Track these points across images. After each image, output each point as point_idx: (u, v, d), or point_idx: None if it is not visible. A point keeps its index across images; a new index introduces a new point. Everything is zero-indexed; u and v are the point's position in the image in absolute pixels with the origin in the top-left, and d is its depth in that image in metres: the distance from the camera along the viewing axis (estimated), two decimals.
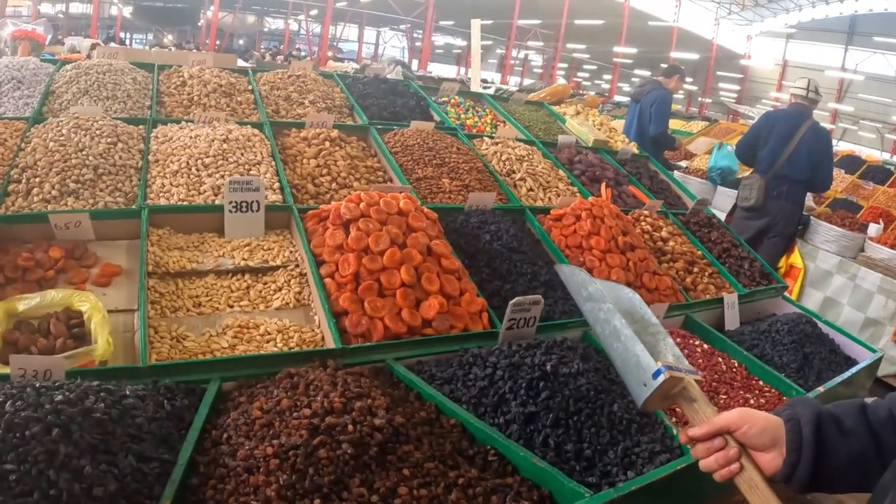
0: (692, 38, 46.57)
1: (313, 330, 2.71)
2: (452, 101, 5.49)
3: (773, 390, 3.12)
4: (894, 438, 1.63)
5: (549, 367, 2.40)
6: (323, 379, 2.18)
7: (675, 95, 8.74)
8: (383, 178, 3.87)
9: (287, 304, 2.84)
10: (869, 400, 1.74)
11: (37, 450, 1.59)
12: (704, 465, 1.71)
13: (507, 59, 41.18)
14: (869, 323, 7.13)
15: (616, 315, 1.92)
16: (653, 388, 1.76)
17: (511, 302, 2.67)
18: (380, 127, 4.41)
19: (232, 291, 2.86)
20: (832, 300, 7.39)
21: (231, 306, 2.79)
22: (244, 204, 3.15)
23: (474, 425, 2.20)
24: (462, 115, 5.30)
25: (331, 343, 2.56)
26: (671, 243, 4.17)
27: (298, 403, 2.03)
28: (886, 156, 35.13)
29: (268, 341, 2.60)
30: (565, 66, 54.51)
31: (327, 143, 3.89)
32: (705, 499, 2.50)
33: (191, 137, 3.61)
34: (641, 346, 1.82)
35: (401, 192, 3.17)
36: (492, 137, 4.80)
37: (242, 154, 3.59)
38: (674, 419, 2.58)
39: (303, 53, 34.67)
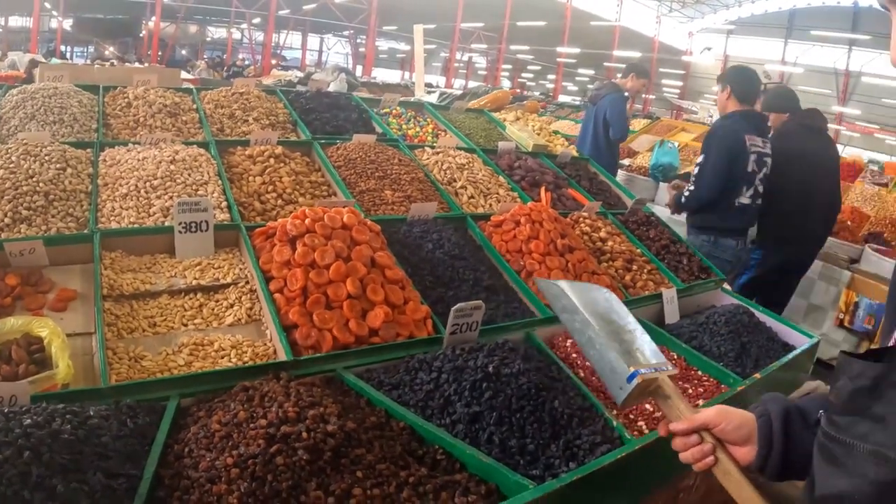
0: (634, 36, 47.05)
1: (265, 344, 2.81)
2: (394, 111, 5.61)
3: (712, 379, 3.26)
4: None
5: (491, 369, 2.52)
6: (277, 390, 2.28)
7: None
8: (328, 192, 3.97)
9: (239, 320, 2.93)
10: None
11: (10, 472, 1.68)
12: (683, 457, 1.88)
13: (451, 62, 41.31)
14: (812, 309, 7.40)
15: (589, 325, 2.10)
16: (628, 391, 1.95)
17: (453, 308, 2.79)
18: (323, 141, 4.50)
19: (185, 310, 2.94)
20: None
21: (185, 325, 2.87)
22: (193, 224, 3.24)
23: (422, 427, 2.31)
24: (404, 126, 5.42)
25: (283, 356, 2.66)
26: (610, 243, 4.31)
27: (255, 415, 2.14)
28: None
29: (222, 357, 2.70)
30: (509, 67, 54.78)
31: (272, 160, 3.99)
32: (648, 486, 2.64)
33: (138, 160, 3.68)
34: (615, 354, 2.00)
35: (344, 207, 3.28)
36: (433, 147, 4.92)
37: (190, 174, 3.67)
38: (614, 412, 2.72)
39: (246, 62, 34.53)
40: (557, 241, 3.73)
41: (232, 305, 3.01)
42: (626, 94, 8.63)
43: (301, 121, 4.83)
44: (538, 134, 5.95)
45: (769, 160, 5.89)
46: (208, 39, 51.30)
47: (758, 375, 3.29)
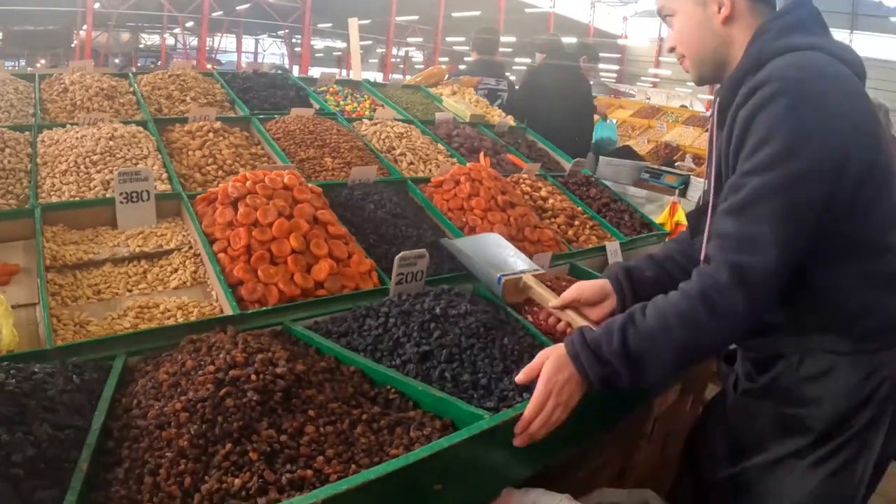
0: (569, 23, 47.09)
1: (212, 304, 2.81)
2: (331, 89, 5.62)
3: None
4: (673, 265, 2.61)
5: (438, 310, 2.56)
6: (224, 340, 2.29)
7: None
8: (268, 163, 3.96)
9: (184, 283, 2.93)
10: None
11: None
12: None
13: (387, 57, 41.24)
14: None
15: (472, 260, 3.03)
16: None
17: (397, 256, 2.80)
18: (262, 117, 4.51)
19: (130, 277, 2.94)
20: None
21: (130, 290, 2.86)
22: (135, 194, 3.23)
23: (373, 369, 2.34)
24: (341, 102, 5.42)
25: (229, 312, 2.66)
26: (551, 201, 4.36)
27: (202, 363, 2.14)
28: None
29: (168, 318, 2.69)
30: (446, 59, 54.79)
31: (211, 135, 3.99)
32: (613, 416, 2.69)
33: (77, 138, 3.67)
34: (486, 272, 2.92)
35: (284, 170, 3.28)
36: (371, 119, 4.93)
37: (129, 150, 3.67)
38: None
39: None
40: (498, 197, 3.76)
41: (176, 270, 3.01)
42: None
43: (239, 99, 4.82)
44: (475, 106, 5.99)
45: (504, 94, 7.77)
46: (141, 47, 50.58)
47: None
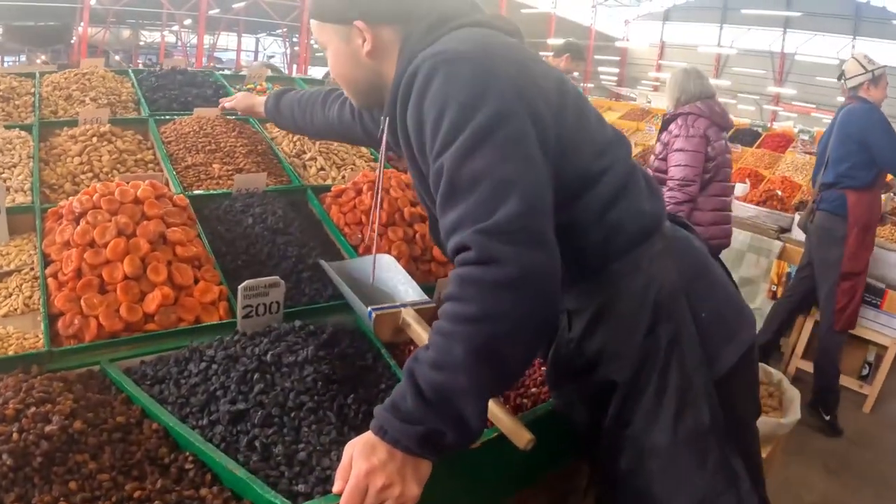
0: (570, 24, 46.94)
1: (37, 336, 2.43)
2: (259, 87, 5.24)
3: None
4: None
5: (269, 357, 2.14)
6: (9, 385, 1.94)
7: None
8: (155, 170, 3.61)
9: (15, 310, 2.57)
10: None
11: None
12: None
13: None
14: (743, 282, 7.14)
15: (348, 292, 2.57)
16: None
17: (241, 286, 2.37)
18: (167, 118, 4.16)
19: None
20: None
21: None
22: None
23: (175, 429, 1.92)
24: None
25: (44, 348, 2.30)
26: None
27: None
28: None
29: None
30: None
31: (94, 139, 3.63)
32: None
33: None
34: (360, 303, 2.46)
35: (145, 181, 2.91)
36: None
37: None
38: None
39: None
40: (405, 210, 3.33)
41: (10, 294, 2.65)
42: None
43: (145, 99, 4.45)
44: None
45: None
46: (141, 44, 50.34)
47: None
